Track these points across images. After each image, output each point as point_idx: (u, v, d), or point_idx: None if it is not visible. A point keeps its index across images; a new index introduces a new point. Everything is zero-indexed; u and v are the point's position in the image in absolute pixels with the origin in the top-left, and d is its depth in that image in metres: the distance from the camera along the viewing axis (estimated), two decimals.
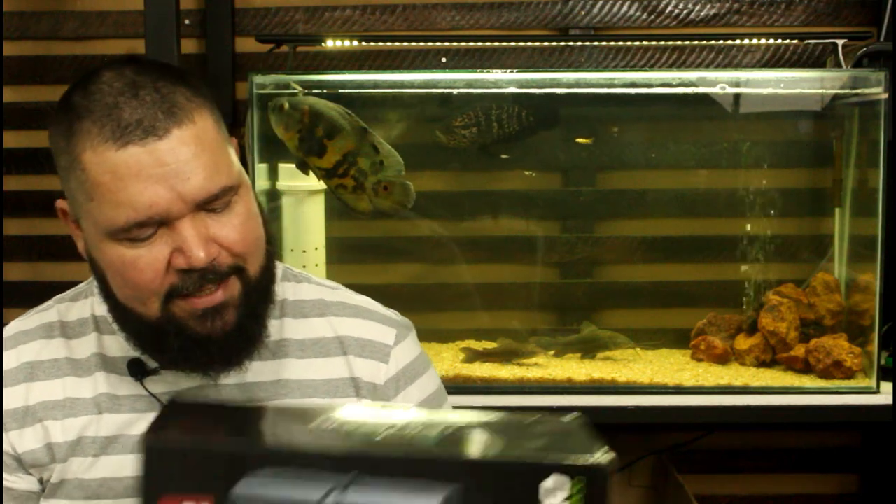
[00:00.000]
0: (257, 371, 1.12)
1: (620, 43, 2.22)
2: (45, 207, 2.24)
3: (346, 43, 2.12)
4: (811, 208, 2.19)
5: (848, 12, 2.21)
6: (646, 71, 2.17)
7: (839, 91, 2.00)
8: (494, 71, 2.05)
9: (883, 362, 1.90)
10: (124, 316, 1.06)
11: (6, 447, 1.09)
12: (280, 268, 1.18)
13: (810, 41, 2.15)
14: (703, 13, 2.22)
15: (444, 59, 2.24)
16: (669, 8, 2.22)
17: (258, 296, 1.06)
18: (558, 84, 2.02)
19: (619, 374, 1.92)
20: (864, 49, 1.96)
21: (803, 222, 2.20)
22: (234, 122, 2.19)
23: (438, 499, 0.78)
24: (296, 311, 1.17)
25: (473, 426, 0.86)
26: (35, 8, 2.27)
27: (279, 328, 1.15)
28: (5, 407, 1.10)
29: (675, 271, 2.20)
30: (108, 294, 1.06)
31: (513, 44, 2.23)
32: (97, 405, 1.10)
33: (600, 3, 2.22)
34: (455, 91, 2.04)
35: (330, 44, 2.12)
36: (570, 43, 2.22)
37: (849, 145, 2.06)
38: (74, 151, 1.00)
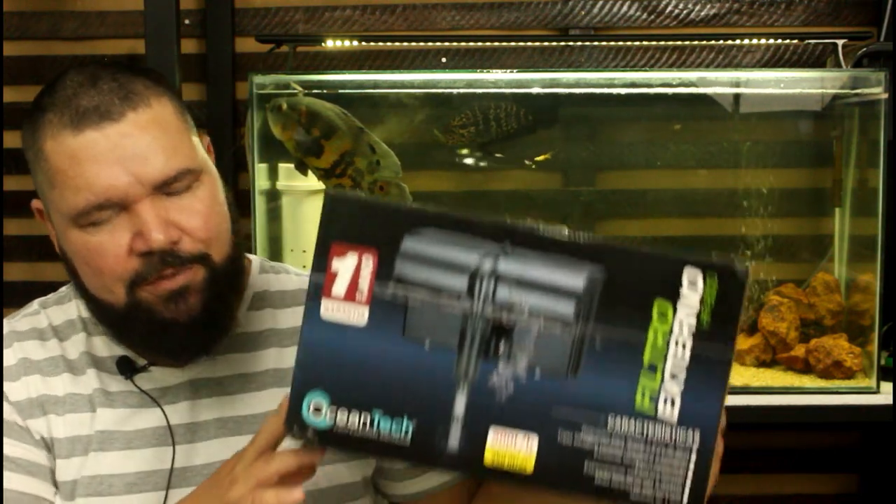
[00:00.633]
0: (241, 362, 1.13)
1: (620, 43, 2.22)
2: None
3: (346, 43, 2.12)
4: (811, 208, 2.19)
5: (848, 12, 2.20)
6: (646, 71, 2.17)
7: (839, 91, 2.00)
8: (494, 71, 2.06)
9: (883, 362, 1.90)
10: (98, 308, 1.07)
11: (35, 434, 1.09)
12: (256, 261, 1.20)
13: (810, 41, 2.15)
14: (703, 13, 2.22)
15: (444, 59, 2.24)
16: (669, 8, 2.22)
17: (224, 283, 1.06)
18: (558, 84, 2.02)
19: None
20: (864, 49, 1.96)
21: (803, 222, 2.20)
22: (234, 122, 2.19)
23: (584, 275, 0.85)
24: (278, 301, 1.17)
25: None
26: (35, 8, 2.27)
27: (262, 318, 1.15)
28: (14, 399, 1.09)
29: None
30: (81, 288, 1.07)
31: (513, 44, 2.23)
32: (92, 401, 1.10)
33: (600, 3, 2.22)
34: (455, 91, 2.04)
35: (330, 44, 2.12)
36: (570, 43, 2.22)
37: (849, 145, 2.06)
38: (37, 144, 1.04)
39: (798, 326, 1.96)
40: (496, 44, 2.24)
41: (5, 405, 1.08)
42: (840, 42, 1.96)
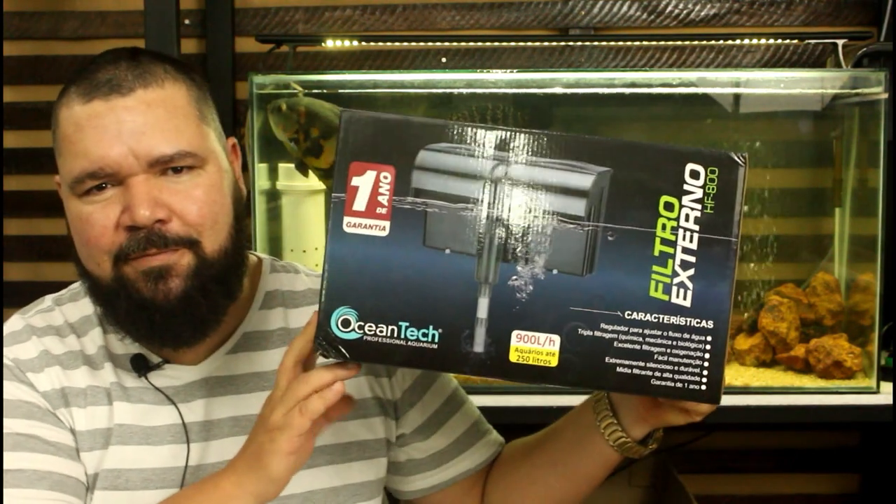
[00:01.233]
0: (254, 361, 1.13)
1: (620, 43, 2.22)
2: (45, 207, 2.25)
3: (346, 43, 2.12)
4: (811, 208, 2.19)
5: (848, 12, 2.21)
6: (646, 71, 2.17)
7: (839, 91, 2.00)
8: (494, 71, 2.05)
9: (883, 362, 1.90)
10: (91, 286, 1.07)
11: (66, 423, 1.09)
12: (266, 260, 1.20)
13: (810, 41, 2.15)
14: (703, 13, 2.22)
15: (444, 59, 2.24)
16: (669, 8, 2.22)
17: (212, 275, 1.05)
18: (558, 84, 2.02)
19: None
20: (864, 49, 1.96)
21: (803, 222, 2.20)
22: (234, 122, 2.19)
23: (592, 174, 0.91)
24: (289, 300, 1.18)
25: None
26: (35, 8, 2.27)
27: (275, 317, 1.16)
28: (42, 389, 1.08)
29: None
30: (77, 262, 1.08)
31: (513, 44, 2.23)
32: (109, 395, 1.10)
33: (600, 3, 2.22)
34: (455, 91, 2.04)
35: (330, 44, 2.12)
36: (570, 43, 2.22)
37: (849, 145, 2.06)
38: (55, 112, 1.05)
39: (798, 326, 1.96)
40: (496, 44, 2.24)
41: (35, 394, 1.08)
42: (840, 42, 1.96)
